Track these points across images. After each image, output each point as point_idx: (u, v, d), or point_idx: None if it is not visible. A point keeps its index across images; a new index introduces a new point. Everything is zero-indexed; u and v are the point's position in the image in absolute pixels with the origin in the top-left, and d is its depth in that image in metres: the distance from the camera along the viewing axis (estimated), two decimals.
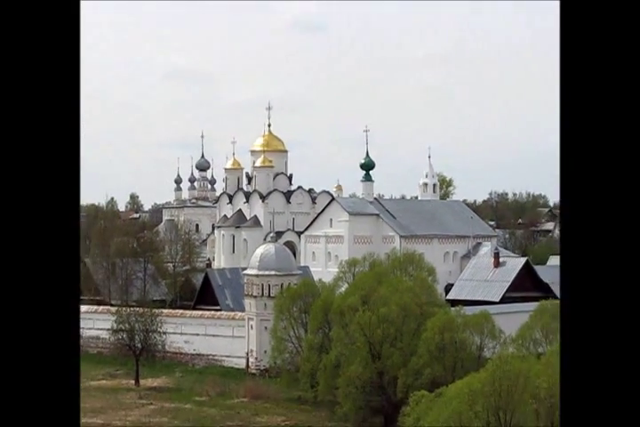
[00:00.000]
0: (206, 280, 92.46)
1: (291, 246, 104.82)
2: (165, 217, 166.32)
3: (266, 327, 67.05)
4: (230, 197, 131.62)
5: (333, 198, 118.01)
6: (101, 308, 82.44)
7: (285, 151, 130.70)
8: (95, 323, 79.22)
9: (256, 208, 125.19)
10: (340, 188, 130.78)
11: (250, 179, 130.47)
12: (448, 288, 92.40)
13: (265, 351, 67.11)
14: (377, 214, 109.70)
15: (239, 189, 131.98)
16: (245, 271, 73.23)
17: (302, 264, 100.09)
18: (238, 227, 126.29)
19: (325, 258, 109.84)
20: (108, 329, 69.20)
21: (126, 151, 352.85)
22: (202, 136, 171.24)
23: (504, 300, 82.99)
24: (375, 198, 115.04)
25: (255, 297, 69.35)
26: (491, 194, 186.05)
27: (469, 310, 55.91)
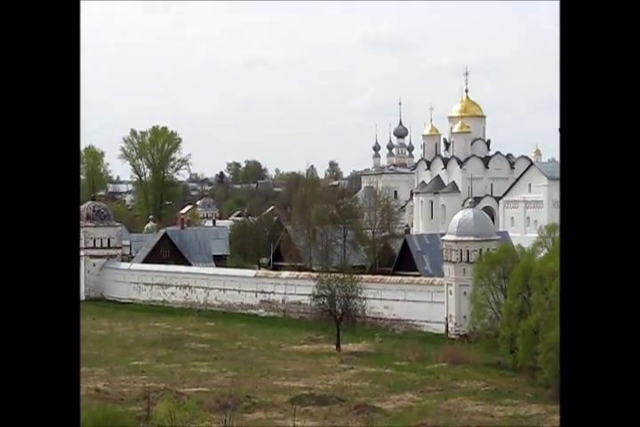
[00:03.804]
0: (405, 246, 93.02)
1: (489, 212, 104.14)
2: (364, 184, 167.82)
3: (465, 293, 67.05)
4: (428, 164, 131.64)
5: (532, 163, 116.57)
6: (303, 274, 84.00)
7: (483, 117, 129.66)
8: (297, 289, 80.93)
9: (454, 174, 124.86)
10: (538, 152, 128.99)
11: (448, 145, 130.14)
12: None
13: (464, 317, 67.15)
14: None
15: (437, 155, 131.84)
16: (444, 237, 73.27)
17: (501, 229, 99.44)
18: (436, 193, 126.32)
19: (524, 223, 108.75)
20: (310, 295, 70.41)
21: (325, 119, 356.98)
22: (399, 103, 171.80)
23: None
24: None
25: (454, 263, 69.37)
26: None
27: None
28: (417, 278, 78.89)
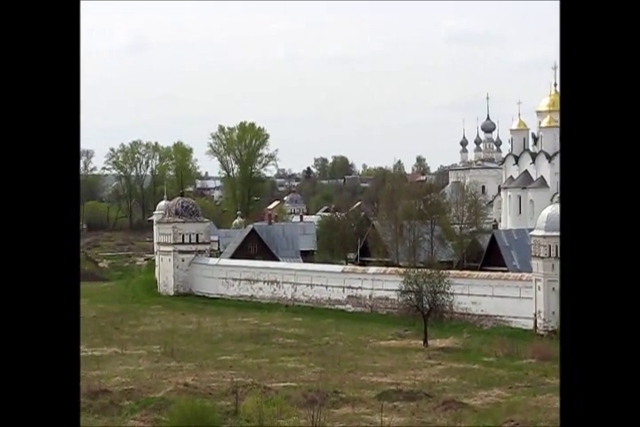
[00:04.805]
0: (493, 241, 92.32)
1: None
2: (451, 179, 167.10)
3: (554, 288, 66.28)
4: (516, 158, 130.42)
5: None
6: (390, 269, 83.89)
7: None
8: (384, 284, 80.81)
9: (542, 169, 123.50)
10: None
11: (536, 139, 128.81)
12: None
13: (553, 312, 66.39)
14: None
15: (525, 149, 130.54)
16: (532, 232, 72.57)
17: None
18: (525, 188, 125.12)
19: None
20: (397, 290, 70.24)
21: (412, 114, 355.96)
22: (487, 97, 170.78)
23: None
24: None
25: (542, 258, 68.67)
26: None
27: None
28: (505, 274, 78.26)
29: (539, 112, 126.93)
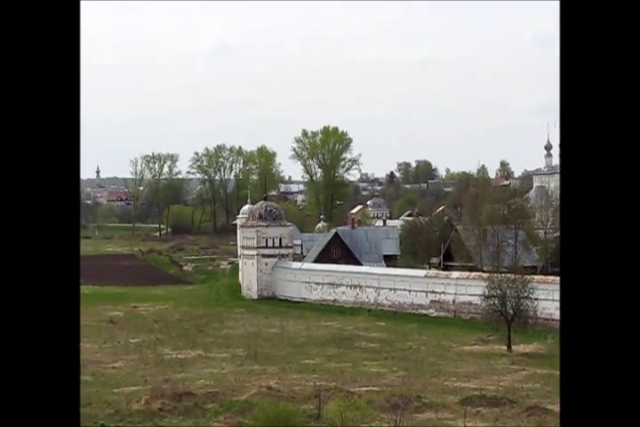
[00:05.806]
0: None
1: None
2: (536, 183, 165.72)
3: None
4: None
5: None
6: (473, 274, 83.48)
7: None
8: (467, 289, 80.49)
9: None
10: None
11: None
12: None
13: None
14: None
15: None
16: None
17: None
18: None
19: None
20: (480, 295, 69.88)
21: (496, 118, 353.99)
22: None
23: None
24: None
25: None
26: None
27: None
28: None
29: None
